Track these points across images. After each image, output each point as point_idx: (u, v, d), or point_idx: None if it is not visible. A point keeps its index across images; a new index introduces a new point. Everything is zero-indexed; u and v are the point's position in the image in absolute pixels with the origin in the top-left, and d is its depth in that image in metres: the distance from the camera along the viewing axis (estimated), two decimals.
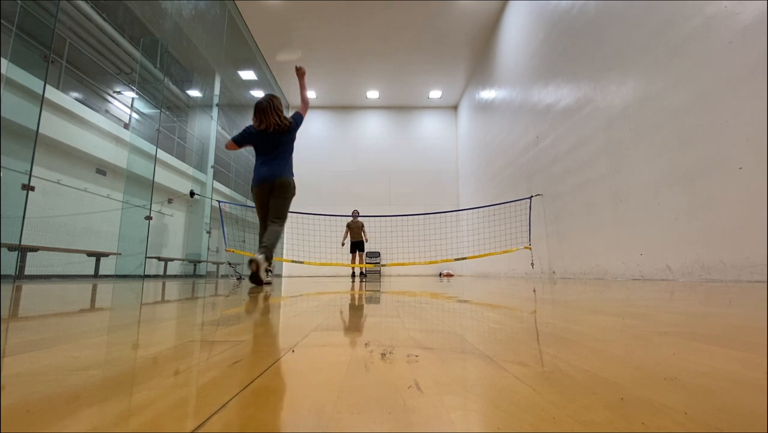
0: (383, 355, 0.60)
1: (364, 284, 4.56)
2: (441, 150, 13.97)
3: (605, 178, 4.84)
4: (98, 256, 5.79)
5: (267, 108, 3.44)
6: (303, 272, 12.40)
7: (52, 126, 5.17)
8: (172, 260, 7.56)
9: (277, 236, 3.45)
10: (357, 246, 8.92)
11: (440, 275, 12.31)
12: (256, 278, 3.17)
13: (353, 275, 8.99)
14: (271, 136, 3.50)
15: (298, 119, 3.70)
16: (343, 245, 9.04)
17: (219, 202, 7.66)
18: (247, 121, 12.45)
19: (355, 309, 1.44)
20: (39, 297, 1.90)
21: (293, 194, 3.64)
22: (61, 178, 5.58)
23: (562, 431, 0.31)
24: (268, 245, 3.29)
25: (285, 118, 3.56)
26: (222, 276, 9.10)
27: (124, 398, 0.39)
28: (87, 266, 5.75)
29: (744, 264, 2.99)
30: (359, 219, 9.02)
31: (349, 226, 9.01)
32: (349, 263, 8.97)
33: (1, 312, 1.20)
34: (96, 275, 5.78)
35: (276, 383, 0.45)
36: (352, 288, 3.29)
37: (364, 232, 9.00)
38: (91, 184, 6.35)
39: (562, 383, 0.44)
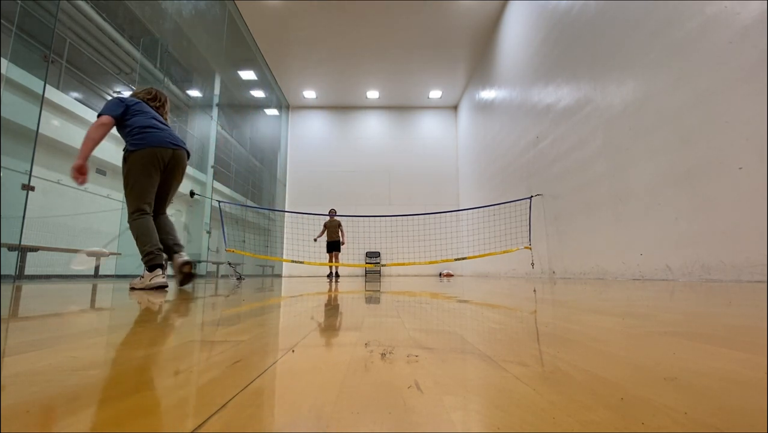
0: (383, 355, 0.60)
1: (337, 284, 4.44)
2: (441, 150, 13.97)
3: (605, 178, 4.84)
4: (98, 256, 5.79)
5: (168, 98, 3.07)
6: (303, 272, 12.41)
7: (52, 126, 5.17)
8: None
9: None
10: (332, 246, 8.83)
11: (440, 275, 12.31)
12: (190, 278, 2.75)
13: (329, 275, 8.87)
14: (157, 113, 2.92)
15: None
16: (315, 240, 8.97)
17: (219, 202, 7.65)
18: (246, 121, 12.29)
19: (355, 309, 1.44)
20: (39, 297, 1.90)
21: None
22: (61, 178, 5.57)
23: (562, 431, 0.31)
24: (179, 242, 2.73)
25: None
26: (222, 276, 9.10)
27: (124, 398, 0.39)
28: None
29: (744, 264, 2.99)
30: (336, 218, 8.92)
31: (325, 225, 8.91)
32: (327, 262, 8.87)
33: (1, 312, 1.20)
34: (96, 275, 5.77)
35: (276, 383, 0.45)
36: (330, 289, 3.19)
37: (341, 232, 8.89)
38: (91, 184, 6.34)
39: (562, 383, 0.44)
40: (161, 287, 2.56)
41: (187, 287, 2.89)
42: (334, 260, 8.74)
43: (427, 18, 9.29)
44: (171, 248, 2.73)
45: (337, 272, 8.88)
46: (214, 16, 8.90)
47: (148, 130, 2.65)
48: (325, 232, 8.90)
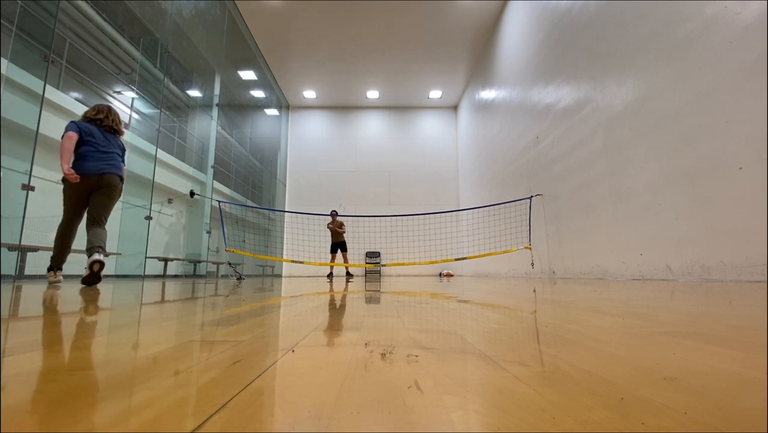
0: (383, 355, 0.60)
1: (349, 284, 4.49)
2: (441, 150, 13.97)
3: (605, 178, 4.84)
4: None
5: (111, 108, 3.44)
6: (303, 272, 12.41)
7: (52, 126, 5.16)
8: (172, 260, 7.56)
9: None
10: (338, 246, 8.77)
11: (440, 275, 12.31)
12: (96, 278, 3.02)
13: (329, 275, 8.78)
14: (105, 132, 3.31)
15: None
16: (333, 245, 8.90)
17: (219, 202, 7.66)
18: (246, 121, 12.26)
19: (355, 309, 1.44)
20: (39, 297, 1.90)
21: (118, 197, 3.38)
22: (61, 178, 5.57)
23: (562, 431, 0.31)
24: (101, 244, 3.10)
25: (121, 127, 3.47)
26: (222, 276, 9.10)
27: (124, 398, 0.39)
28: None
29: (744, 264, 2.99)
30: (338, 219, 8.80)
31: (329, 227, 8.81)
32: (329, 262, 8.75)
33: (1, 312, 1.20)
34: None
35: (276, 383, 0.45)
36: (330, 289, 3.21)
37: (343, 228, 8.80)
38: None
39: (562, 383, 0.44)
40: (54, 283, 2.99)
41: (98, 286, 3.10)
42: (342, 260, 8.67)
43: (427, 18, 9.29)
44: (92, 248, 3.06)
45: (348, 271, 8.79)
46: (214, 16, 8.90)
47: (81, 162, 3.14)
48: (331, 233, 8.83)
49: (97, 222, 3.17)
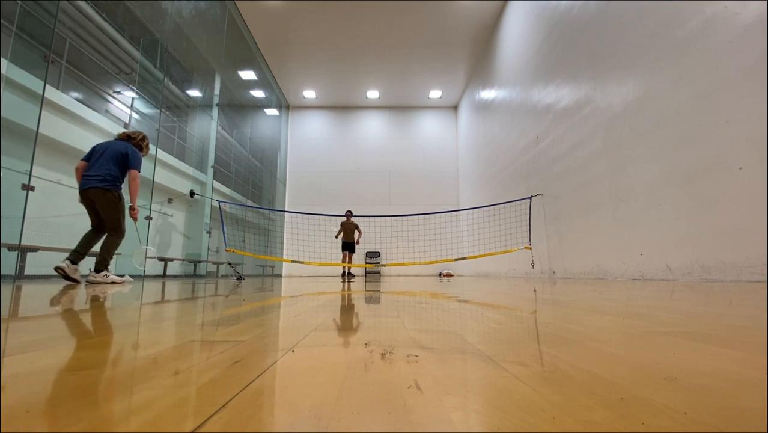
0: (383, 355, 0.60)
1: (351, 284, 4.54)
2: (441, 150, 13.97)
3: (605, 178, 4.84)
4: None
5: (142, 133, 4.09)
6: (303, 272, 12.40)
7: (52, 126, 5.16)
8: (172, 259, 7.56)
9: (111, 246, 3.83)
10: (348, 246, 8.84)
11: (440, 275, 12.31)
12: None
13: (343, 274, 8.86)
14: (117, 140, 3.86)
15: (136, 153, 3.89)
16: (336, 237, 8.95)
17: (219, 202, 7.66)
18: (246, 121, 12.30)
19: (355, 309, 1.44)
20: (39, 297, 1.90)
21: (115, 205, 3.77)
22: (61, 178, 5.56)
23: (562, 431, 0.31)
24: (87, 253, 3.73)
25: (135, 137, 4.00)
26: (222, 276, 9.10)
27: (124, 398, 0.39)
28: (87, 265, 5.74)
29: (744, 264, 2.99)
30: (353, 219, 8.91)
31: (342, 225, 8.90)
32: (341, 262, 8.83)
33: (1, 312, 1.20)
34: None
35: (276, 383, 0.45)
36: (344, 288, 3.27)
37: (358, 231, 8.88)
38: None
39: (562, 383, 0.44)
40: (60, 271, 3.42)
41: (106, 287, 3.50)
42: (347, 260, 8.72)
43: (427, 18, 9.29)
44: (97, 258, 3.72)
45: (350, 272, 8.87)
46: (214, 16, 8.90)
47: (82, 178, 3.68)
48: (342, 232, 8.88)
49: (107, 229, 3.74)
